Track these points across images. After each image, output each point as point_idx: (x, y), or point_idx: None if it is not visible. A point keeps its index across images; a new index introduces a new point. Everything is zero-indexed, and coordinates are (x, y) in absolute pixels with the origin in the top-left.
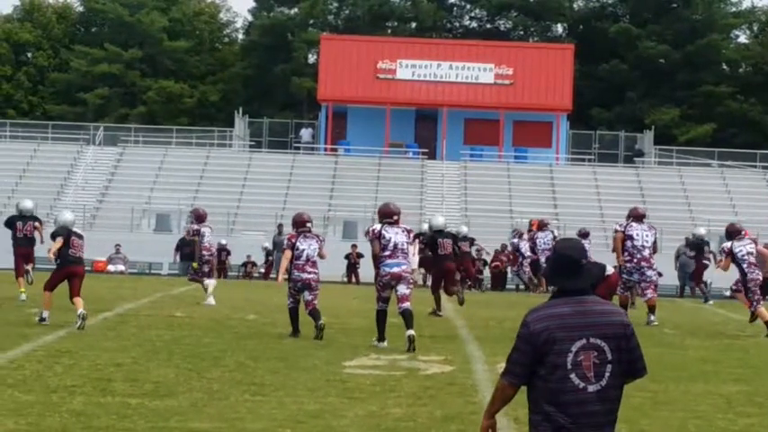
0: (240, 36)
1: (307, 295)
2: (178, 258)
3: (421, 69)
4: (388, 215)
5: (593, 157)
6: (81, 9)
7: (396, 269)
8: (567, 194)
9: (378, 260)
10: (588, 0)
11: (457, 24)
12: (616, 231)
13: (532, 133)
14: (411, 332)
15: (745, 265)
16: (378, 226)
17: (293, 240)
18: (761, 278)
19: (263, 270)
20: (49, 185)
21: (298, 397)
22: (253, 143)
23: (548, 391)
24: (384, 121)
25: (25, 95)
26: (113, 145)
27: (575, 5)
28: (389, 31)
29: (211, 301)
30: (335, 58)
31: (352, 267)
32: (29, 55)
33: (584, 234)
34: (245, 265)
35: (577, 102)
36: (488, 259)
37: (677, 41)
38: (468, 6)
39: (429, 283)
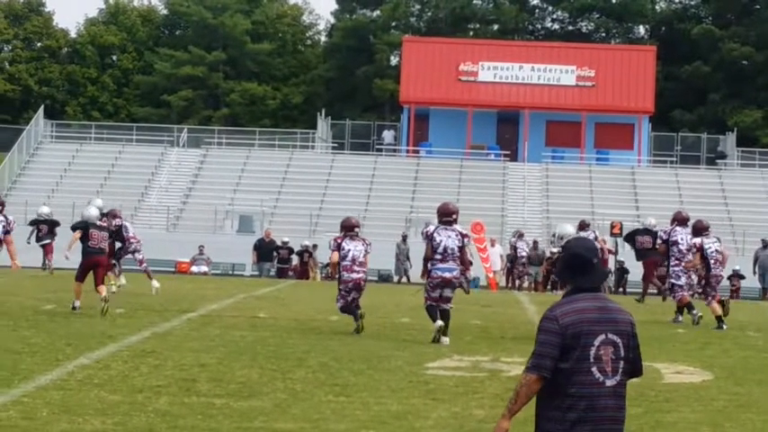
0: (323, 38)
1: (354, 294)
2: (256, 258)
3: (503, 71)
4: (446, 214)
5: (675, 159)
6: (165, 12)
7: (447, 274)
8: (649, 196)
9: (428, 261)
10: (671, 2)
11: (539, 26)
12: (661, 240)
13: (614, 135)
14: (445, 340)
15: (712, 262)
16: (431, 228)
17: (339, 241)
18: (723, 275)
19: None
20: (134, 187)
21: (381, 398)
22: (335, 145)
23: (570, 384)
24: (466, 123)
25: (110, 98)
26: (197, 147)
27: (657, 7)
28: (471, 33)
29: (119, 284)
30: (418, 60)
31: None
32: (114, 57)
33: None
34: (327, 266)
35: (659, 104)
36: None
37: (760, 43)
38: (550, 8)
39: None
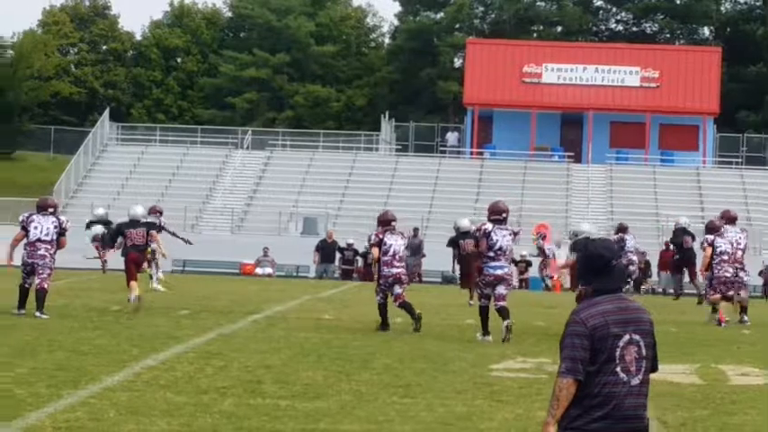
0: (386, 40)
1: (396, 289)
2: (318, 259)
3: (566, 73)
4: (497, 212)
5: (740, 160)
6: (229, 14)
7: (499, 272)
8: (714, 198)
9: (482, 258)
10: (736, 2)
11: (603, 27)
12: (707, 243)
13: (679, 136)
14: (508, 321)
15: (715, 261)
16: (489, 226)
17: (380, 236)
18: (728, 275)
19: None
20: (198, 189)
21: (445, 399)
22: (399, 147)
23: (595, 384)
24: (530, 124)
25: (175, 100)
26: (261, 149)
27: (722, 8)
28: (535, 34)
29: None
30: (481, 61)
31: None
32: (178, 60)
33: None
34: None
35: (724, 105)
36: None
37: None
38: (614, 9)
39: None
